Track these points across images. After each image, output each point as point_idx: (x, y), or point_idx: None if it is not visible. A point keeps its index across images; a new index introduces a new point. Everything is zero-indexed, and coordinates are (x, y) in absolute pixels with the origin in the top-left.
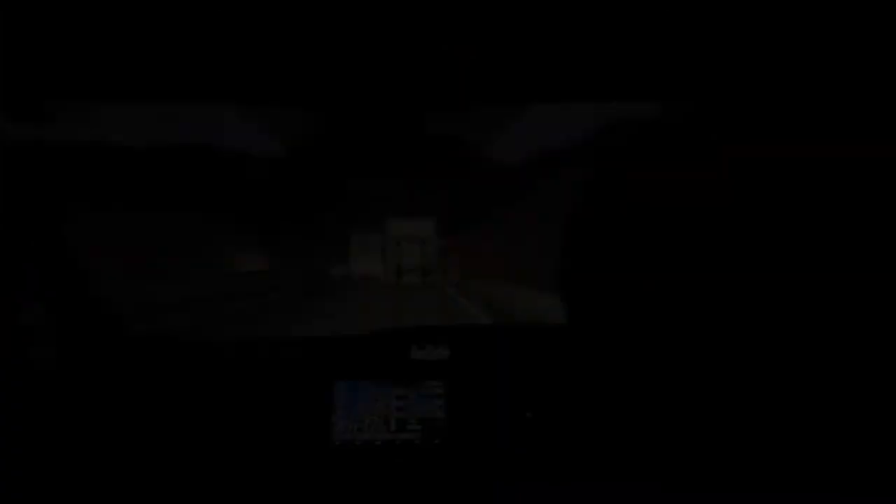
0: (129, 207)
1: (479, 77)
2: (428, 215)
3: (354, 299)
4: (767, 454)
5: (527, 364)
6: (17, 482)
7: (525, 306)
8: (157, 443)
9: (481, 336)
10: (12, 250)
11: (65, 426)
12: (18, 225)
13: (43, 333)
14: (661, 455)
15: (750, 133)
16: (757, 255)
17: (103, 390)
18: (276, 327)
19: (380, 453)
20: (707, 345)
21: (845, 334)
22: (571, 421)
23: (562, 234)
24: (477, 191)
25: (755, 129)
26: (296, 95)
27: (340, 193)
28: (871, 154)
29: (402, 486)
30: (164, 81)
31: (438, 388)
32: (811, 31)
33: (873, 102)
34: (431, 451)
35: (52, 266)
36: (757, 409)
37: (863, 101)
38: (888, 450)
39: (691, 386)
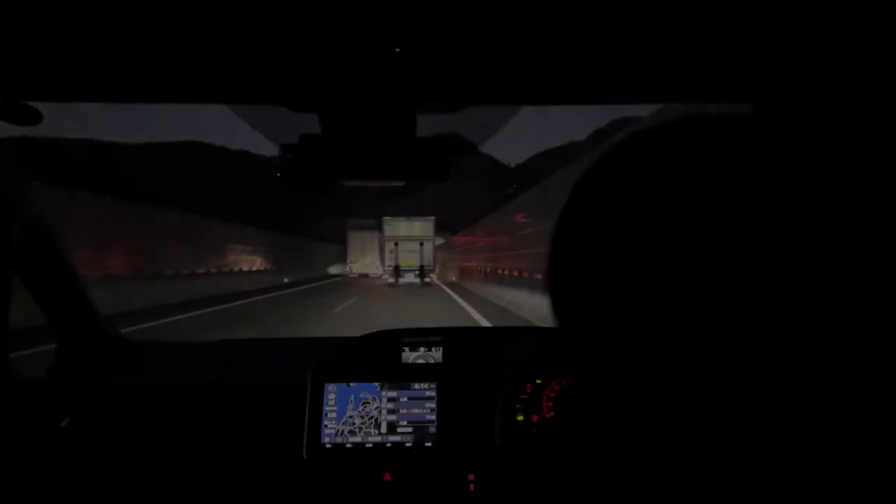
0: (125, 206)
1: (478, 77)
2: (426, 215)
3: (349, 300)
4: (767, 455)
5: (521, 365)
6: (16, 482)
7: (521, 307)
8: (147, 443)
9: (474, 338)
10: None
11: (60, 425)
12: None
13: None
14: (661, 455)
15: (750, 133)
16: (757, 255)
17: (97, 389)
18: (266, 328)
19: (370, 456)
20: (707, 345)
21: (846, 335)
22: (566, 423)
23: (560, 234)
24: (475, 190)
25: (755, 129)
26: (290, 96)
27: (338, 194)
28: (873, 154)
29: (392, 488)
30: (159, 82)
31: (429, 390)
32: (811, 31)
33: (875, 101)
34: (422, 453)
35: (46, 267)
36: (757, 410)
37: (864, 100)
38: (888, 450)
39: (690, 386)
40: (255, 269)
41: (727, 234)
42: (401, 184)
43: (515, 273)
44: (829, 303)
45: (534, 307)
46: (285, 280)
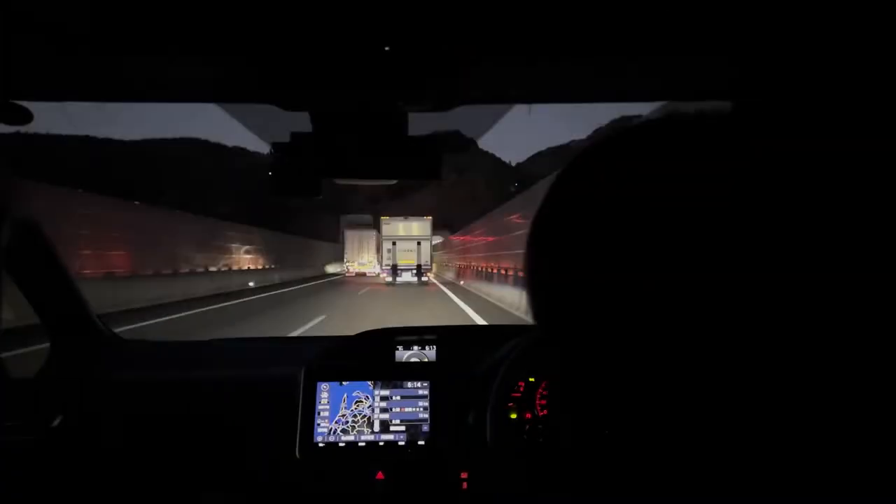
0: (121, 204)
1: (468, 75)
2: (424, 215)
3: (314, 319)
4: (769, 459)
5: (514, 364)
6: (8, 482)
7: (517, 306)
8: (140, 442)
9: (468, 336)
10: None
11: (52, 425)
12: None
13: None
14: (652, 454)
15: (751, 130)
16: (736, 253)
17: (89, 388)
18: (260, 327)
19: (363, 454)
20: (708, 346)
21: (848, 335)
22: (560, 421)
23: (535, 234)
24: (477, 188)
25: (734, 127)
26: (281, 95)
27: (333, 192)
28: (852, 149)
29: (385, 486)
30: (150, 81)
31: (422, 388)
32: (815, 26)
33: (854, 98)
34: (415, 451)
35: (38, 265)
36: (759, 413)
37: (844, 98)
38: (888, 451)
39: (690, 388)
40: (215, 269)
41: (703, 232)
42: (392, 182)
43: (510, 272)
44: (822, 302)
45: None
46: (251, 284)
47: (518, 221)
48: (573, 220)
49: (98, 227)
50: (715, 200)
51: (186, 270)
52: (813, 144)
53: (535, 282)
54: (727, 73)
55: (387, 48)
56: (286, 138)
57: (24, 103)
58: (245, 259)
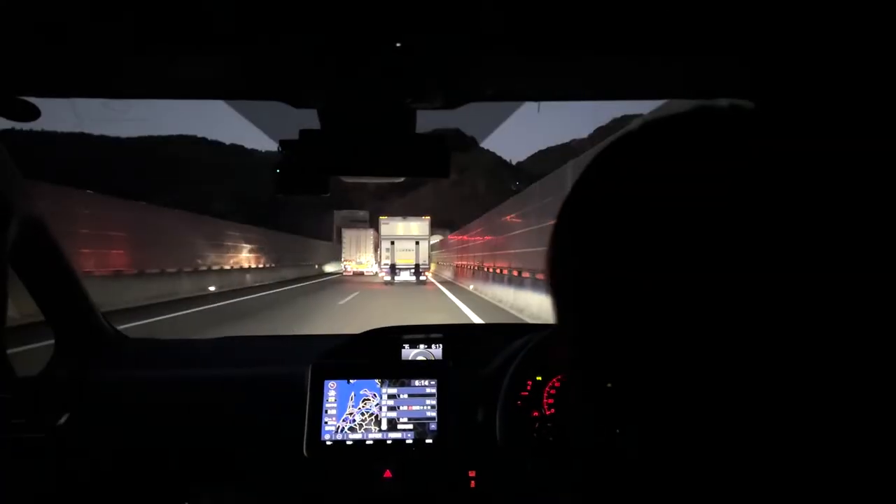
0: (121, 204)
1: (480, 73)
2: (423, 214)
3: (346, 297)
4: (784, 466)
5: (521, 362)
6: (14, 481)
7: (523, 305)
8: (146, 440)
9: (474, 335)
10: None
11: (58, 423)
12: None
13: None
14: (661, 453)
15: (756, 127)
16: (766, 253)
17: (95, 386)
18: (265, 326)
19: (370, 453)
20: (715, 346)
21: (851, 336)
22: (567, 420)
23: (560, 231)
24: (477, 187)
25: (761, 124)
26: (290, 92)
27: (334, 193)
28: (874, 150)
29: (393, 485)
30: (159, 79)
31: (430, 387)
32: (830, 25)
33: (873, 98)
34: (422, 450)
35: (44, 263)
36: (765, 414)
37: (865, 97)
38: (890, 452)
39: (692, 387)
40: (156, 271)
41: (735, 231)
42: (400, 180)
43: (506, 272)
44: (849, 304)
45: (534, 306)
46: (211, 289)
47: (516, 221)
48: (605, 216)
49: None
50: (750, 198)
51: (108, 272)
52: (847, 143)
53: (561, 279)
54: (738, 73)
55: (398, 44)
56: (293, 136)
57: (30, 99)
58: (213, 259)
